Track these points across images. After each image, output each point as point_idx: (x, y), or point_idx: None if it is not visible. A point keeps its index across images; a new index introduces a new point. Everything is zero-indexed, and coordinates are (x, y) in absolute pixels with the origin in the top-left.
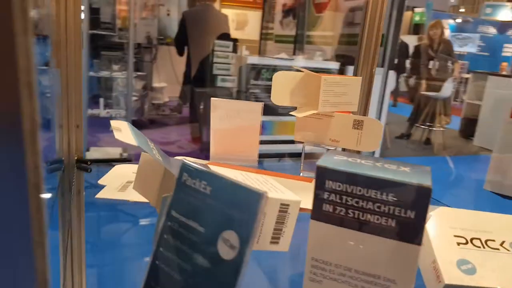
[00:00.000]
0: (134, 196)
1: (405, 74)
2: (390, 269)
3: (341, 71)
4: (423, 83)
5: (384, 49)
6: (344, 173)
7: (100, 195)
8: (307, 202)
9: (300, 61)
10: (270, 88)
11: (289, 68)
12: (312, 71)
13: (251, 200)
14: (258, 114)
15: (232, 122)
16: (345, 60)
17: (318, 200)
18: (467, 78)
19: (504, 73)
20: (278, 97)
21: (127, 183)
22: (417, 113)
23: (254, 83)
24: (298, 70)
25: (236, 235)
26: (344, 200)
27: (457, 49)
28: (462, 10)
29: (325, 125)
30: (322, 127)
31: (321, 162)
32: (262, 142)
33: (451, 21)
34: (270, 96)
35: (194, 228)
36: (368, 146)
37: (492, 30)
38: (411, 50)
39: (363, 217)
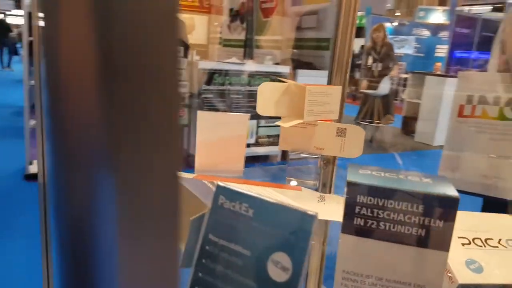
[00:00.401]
0: None
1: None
2: (420, 276)
3: (292, 75)
4: (365, 83)
5: (333, 52)
6: (375, 187)
7: None
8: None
9: (251, 65)
10: (223, 93)
11: (241, 72)
12: (264, 74)
13: (302, 221)
14: (245, 125)
15: (218, 134)
16: (295, 64)
17: (349, 214)
18: (405, 78)
19: (438, 72)
20: (263, 108)
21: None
22: (361, 111)
23: (206, 88)
24: (281, 81)
25: (287, 257)
26: (375, 213)
27: (395, 50)
28: (398, 13)
29: (309, 133)
30: (306, 135)
31: (351, 177)
32: None
33: (388, 24)
34: (223, 101)
35: (238, 251)
36: (351, 152)
37: (426, 33)
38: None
39: (394, 228)
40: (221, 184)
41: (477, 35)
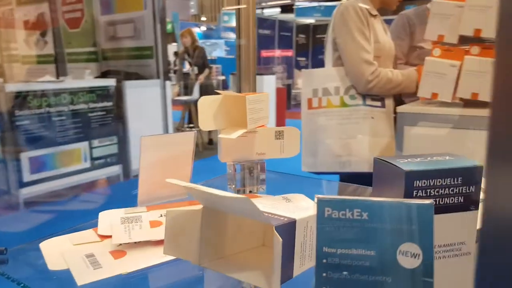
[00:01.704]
0: (127, 264)
1: (173, 82)
2: (460, 235)
3: (118, 88)
4: (176, 89)
5: (157, 60)
6: (427, 171)
7: (82, 281)
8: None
9: (71, 82)
10: (43, 116)
11: (60, 91)
12: (87, 90)
13: (421, 211)
14: (191, 143)
15: (162, 156)
16: (120, 76)
17: (408, 197)
18: (223, 80)
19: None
20: (205, 123)
21: (88, 256)
22: (183, 116)
23: (20, 114)
24: (217, 93)
25: (415, 245)
26: (428, 192)
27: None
28: (203, 18)
29: (250, 141)
30: (248, 143)
31: (405, 167)
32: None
33: (197, 29)
34: (43, 126)
35: (361, 254)
36: (291, 152)
37: (233, 35)
38: (171, 58)
39: (442, 201)
40: (320, 196)
41: (277, 35)
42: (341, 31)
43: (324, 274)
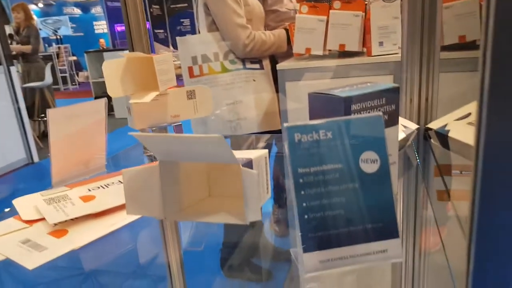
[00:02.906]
0: (74, 241)
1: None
2: (388, 148)
3: None
4: (25, 73)
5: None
6: (361, 96)
7: (32, 265)
8: None
9: None
10: None
11: None
12: None
13: (373, 123)
14: (102, 112)
15: (73, 129)
16: None
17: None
18: (74, 60)
19: (104, 47)
20: (113, 89)
21: (25, 242)
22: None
23: None
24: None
25: (373, 152)
26: (360, 113)
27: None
28: None
29: (163, 104)
30: (161, 107)
31: (342, 94)
32: None
33: (34, 7)
34: None
35: (332, 168)
36: (204, 111)
37: (78, 11)
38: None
39: None
40: (288, 124)
41: None
42: None
43: (303, 192)
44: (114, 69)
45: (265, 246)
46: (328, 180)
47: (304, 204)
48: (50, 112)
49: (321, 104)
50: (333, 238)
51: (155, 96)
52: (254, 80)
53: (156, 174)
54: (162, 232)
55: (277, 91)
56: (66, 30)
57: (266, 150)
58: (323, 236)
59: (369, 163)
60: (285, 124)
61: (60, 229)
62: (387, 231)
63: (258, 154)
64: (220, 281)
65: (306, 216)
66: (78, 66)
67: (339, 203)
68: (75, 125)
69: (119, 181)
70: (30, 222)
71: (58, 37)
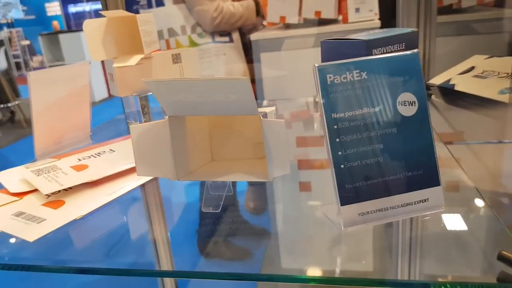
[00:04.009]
0: (74, 211)
1: None
2: None
3: None
4: None
5: None
6: (382, 39)
7: (32, 237)
8: None
9: None
10: None
11: None
12: None
13: (410, 61)
14: (86, 76)
15: (56, 96)
16: None
17: None
18: (28, 45)
19: (58, 30)
20: (96, 52)
21: (19, 215)
22: None
23: None
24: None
25: (410, 94)
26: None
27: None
28: None
29: (147, 68)
30: (145, 71)
31: (362, 38)
32: None
33: None
34: None
35: (368, 112)
36: (191, 76)
37: None
38: None
39: None
40: (318, 65)
41: None
42: None
43: (338, 140)
44: (96, 29)
45: (242, 224)
46: (365, 125)
47: (340, 153)
48: (30, 74)
49: (337, 52)
50: (371, 189)
51: (139, 60)
52: (224, 54)
53: (166, 130)
54: (147, 209)
55: (247, 62)
56: (17, 13)
57: (273, 107)
58: (361, 187)
59: (407, 106)
60: (316, 65)
61: (55, 200)
62: (428, 178)
63: (268, 109)
64: (199, 261)
65: (342, 166)
66: (32, 51)
67: (377, 150)
68: (57, 91)
69: (111, 150)
70: (19, 194)
71: (9, 20)
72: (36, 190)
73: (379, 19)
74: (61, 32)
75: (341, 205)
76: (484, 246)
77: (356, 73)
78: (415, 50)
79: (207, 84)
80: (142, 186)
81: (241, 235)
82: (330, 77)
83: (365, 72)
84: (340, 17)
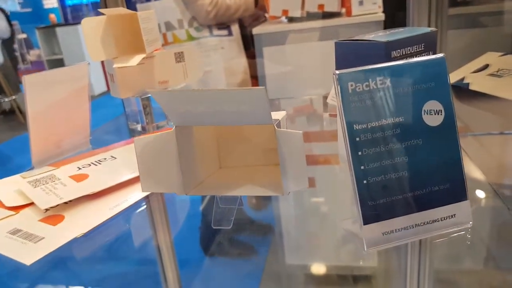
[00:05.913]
0: (74, 228)
1: None
2: None
3: None
4: None
5: None
6: (402, 40)
7: (30, 259)
8: None
9: None
10: None
11: None
12: None
13: (436, 67)
14: (84, 78)
15: (53, 99)
16: None
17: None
18: (24, 38)
19: (56, 23)
20: (95, 53)
21: (15, 233)
22: None
23: None
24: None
25: (437, 102)
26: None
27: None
28: None
29: (149, 68)
30: (147, 71)
31: (382, 39)
32: None
33: None
34: None
35: (392, 123)
36: (194, 76)
37: None
38: None
39: None
40: (339, 72)
41: None
42: None
43: (360, 153)
44: (95, 28)
45: (245, 221)
46: (389, 137)
47: (362, 167)
48: (26, 78)
49: (354, 54)
50: (395, 206)
51: (141, 60)
52: (222, 48)
53: (173, 142)
54: (151, 215)
55: (248, 57)
56: (13, 5)
57: (285, 111)
58: (385, 204)
59: (433, 115)
60: (336, 71)
61: (54, 215)
62: (455, 193)
63: (280, 115)
64: (202, 260)
65: (365, 181)
66: (29, 44)
67: (402, 163)
68: (55, 95)
69: (112, 156)
70: (15, 208)
71: (7, 13)
72: (33, 203)
73: (383, 12)
74: (58, 25)
75: (364, 224)
76: None
77: (380, 80)
78: (442, 54)
79: (220, 95)
80: (147, 198)
81: (244, 232)
82: (351, 85)
83: (389, 79)
84: (344, 10)
